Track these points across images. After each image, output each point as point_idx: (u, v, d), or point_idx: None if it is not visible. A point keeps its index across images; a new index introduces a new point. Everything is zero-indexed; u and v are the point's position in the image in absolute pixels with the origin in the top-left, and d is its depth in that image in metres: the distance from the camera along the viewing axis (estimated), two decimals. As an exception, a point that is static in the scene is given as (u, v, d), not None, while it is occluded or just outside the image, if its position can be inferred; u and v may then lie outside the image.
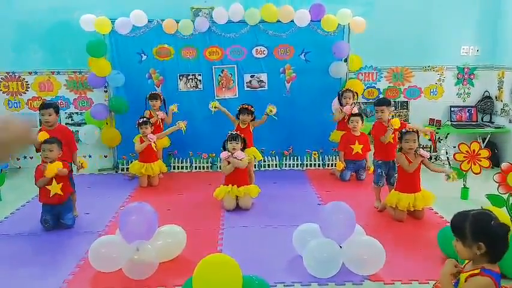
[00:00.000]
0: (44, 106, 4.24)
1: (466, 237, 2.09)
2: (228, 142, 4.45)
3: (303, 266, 3.09)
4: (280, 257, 3.37)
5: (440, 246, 3.34)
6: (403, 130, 4.04)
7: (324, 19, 5.48)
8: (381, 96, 6.11)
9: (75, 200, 4.27)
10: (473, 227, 2.07)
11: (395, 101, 6.06)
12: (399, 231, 3.84)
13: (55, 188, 3.88)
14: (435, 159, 6.08)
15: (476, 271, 2.06)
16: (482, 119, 6.17)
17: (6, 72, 5.91)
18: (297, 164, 6.00)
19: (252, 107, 5.16)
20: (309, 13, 5.47)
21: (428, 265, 3.25)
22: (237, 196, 4.41)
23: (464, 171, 4.59)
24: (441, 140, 6.12)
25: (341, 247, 3.08)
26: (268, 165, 5.96)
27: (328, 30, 5.55)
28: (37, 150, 4.01)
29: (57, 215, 3.96)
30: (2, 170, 4.79)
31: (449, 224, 3.83)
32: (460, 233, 2.12)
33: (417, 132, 4.01)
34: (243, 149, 4.51)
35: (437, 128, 5.88)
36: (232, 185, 4.41)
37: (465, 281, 2.08)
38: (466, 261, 2.20)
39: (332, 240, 3.06)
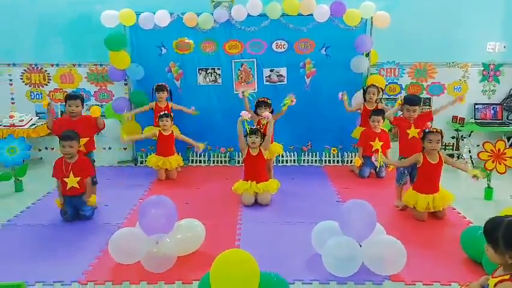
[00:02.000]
0: (72, 97, 4.29)
1: (498, 244, 2.02)
2: (248, 136, 4.42)
3: (322, 264, 3.05)
4: (298, 254, 3.33)
5: (463, 248, 3.26)
6: (426, 130, 3.94)
7: (347, 13, 5.38)
8: (403, 92, 6.00)
9: (95, 191, 4.30)
10: (507, 236, 2.01)
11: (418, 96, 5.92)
12: (420, 231, 3.76)
13: (72, 181, 3.93)
14: (458, 157, 5.94)
15: (506, 277, 2.00)
16: (507, 117, 6.00)
17: (29, 64, 5.99)
18: (316, 160, 5.95)
19: (269, 99, 5.11)
20: (330, 10, 5.38)
21: (450, 266, 3.17)
22: (255, 191, 4.38)
23: (489, 170, 4.47)
24: (465, 138, 5.97)
25: (360, 246, 3.03)
26: (287, 160, 5.92)
27: (350, 24, 5.46)
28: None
29: (76, 206, 4.00)
30: (24, 160, 4.86)
31: (472, 225, 3.79)
32: (492, 240, 2.06)
33: (441, 132, 3.90)
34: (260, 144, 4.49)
35: (461, 126, 5.74)
36: (252, 181, 4.38)
37: (494, 286, 2.02)
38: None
39: (351, 238, 3.01)
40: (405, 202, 4.04)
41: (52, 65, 6.00)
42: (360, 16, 5.42)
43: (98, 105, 5.74)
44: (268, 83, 5.81)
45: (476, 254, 3.10)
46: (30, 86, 6.05)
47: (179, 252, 3.18)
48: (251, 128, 4.47)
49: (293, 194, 4.71)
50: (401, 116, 4.67)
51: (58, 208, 3.96)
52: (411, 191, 3.99)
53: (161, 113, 5.20)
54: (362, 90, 5.47)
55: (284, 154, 5.84)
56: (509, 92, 5.99)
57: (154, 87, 5.50)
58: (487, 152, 4.46)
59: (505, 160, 4.37)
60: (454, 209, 4.18)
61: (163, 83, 5.56)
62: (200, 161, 5.96)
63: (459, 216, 4.09)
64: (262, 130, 4.56)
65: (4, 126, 5.61)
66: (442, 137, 3.91)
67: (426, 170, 3.93)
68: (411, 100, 4.50)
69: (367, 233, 3.04)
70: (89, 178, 4.07)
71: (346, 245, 2.97)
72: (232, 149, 5.94)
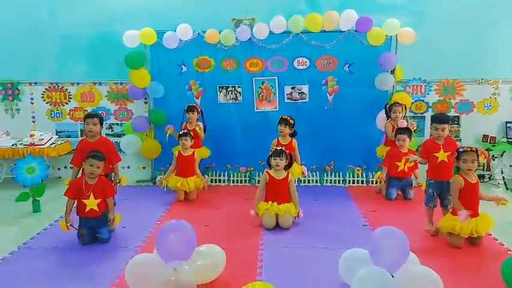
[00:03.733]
0: (90, 115, 4.22)
1: None
2: (272, 158, 4.24)
3: (351, 296, 2.84)
4: (325, 284, 3.12)
5: (505, 280, 3.00)
6: (460, 149, 3.72)
7: (371, 32, 5.24)
8: (430, 110, 5.78)
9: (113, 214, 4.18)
10: None
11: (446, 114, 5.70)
12: (456, 260, 3.49)
13: (92, 203, 3.82)
14: (490, 178, 5.66)
15: None
16: (541, 136, 5.72)
17: (50, 83, 6.00)
18: (339, 180, 5.74)
19: (291, 118, 4.96)
20: (356, 26, 5.25)
21: (491, 300, 2.92)
22: (277, 214, 4.20)
23: (526, 193, 4.20)
24: (496, 158, 5.69)
25: (392, 276, 2.81)
26: (309, 181, 5.73)
27: (375, 44, 5.30)
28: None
29: (93, 228, 3.89)
30: (42, 180, 4.80)
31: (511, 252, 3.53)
32: None
33: (476, 151, 3.66)
34: (288, 166, 4.29)
35: (492, 145, 5.48)
36: (273, 202, 4.20)
37: None
38: None
39: (383, 269, 2.80)
40: (443, 227, 3.78)
41: (73, 84, 6.00)
42: (385, 34, 5.27)
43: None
44: (289, 100, 5.68)
45: (520, 287, 2.84)
46: (51, 105, 6.05)
47: (199, 281, 3.01)
48: (276, 149, 4.27)
49: (316, 217, 4.50)
50: (429, 138, 4.43)
51: (66, 231, 3.81)
52: (450, 216, 3.74)
53: (180, 132, 5.09)
54: (384, 109, 5.27)
55: (307, 174, 5.65)
56: (543, 109, 5.71)
57: (186, 108, 5.41)
58: (524, 173, 4.20)
59: (544, 182, 4.10)
60: (490, 235, 3.91)
61: (194, 104, 5.49)
62: (220, 181, 5.83)
63: (496, 243, 3.82)
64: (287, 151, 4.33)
65: (24, 145, 5.60)
66: (478, 156, 3.66)
67: (467, 191, 3.67)
68: (440, 119, 4.25)
69: (400, 263, 2.82)
70: (112, 197, 3.98)
71: (378, 276, 2.75)
72: (252, 169, 5.78)
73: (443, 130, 4.13)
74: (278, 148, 4.26)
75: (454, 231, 3.68)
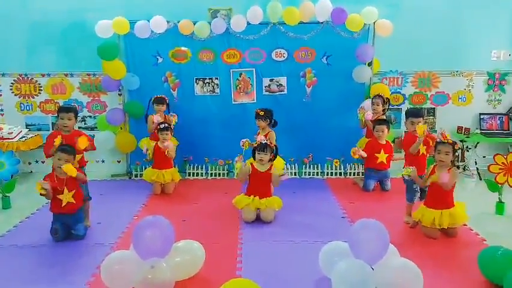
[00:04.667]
0: (64, 109, 4.07)
1: None
2: (256, 152, 4.18)
3: (331, 289, 2.83)
4: (305, 278, 3.11)
5: (482, 270, 3.05)
6: (438, 140, 3.75)
7: (349, 19, 5.20)
8: (406, 102, 5.83)
9: (88, 209, 4.09)
10: None
11: (421, 108, 5.76)
12: (434, 251, 3.53)
13: (67, 197, 3.69)
14: (464, 169, 5.76)
15: None
16: (514, 127, 5.85)
17: (19, 74, 5.76)
18: (317, 173, 5.74)
19: (264, 112, 4.88)
20: (331, 17, 5.22)
21: (468, 290, 2.97)
22: (257, 207, 4.16)
23: (500, 184, 4.28)
24: (470, 149, 5.79)
25: (372, 269, 2.81)
26: (288, 173, 5.69)
27: (353, 30, 5.27)
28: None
29: (68, 225, 3.76)
30: (12, 175, 4.62)
31: (485, 242, 3.59)
32: None
33: (452, 144, 3.69)
34: (272, 160, 4.24)
35: (466, 137, 5.57)
36: (254, 196, 4.15)
37: None
38: None
39: (363, 261, 2.79)
40: (415, 219, 3.83)
41: (43, 75, 5.78)
42: (363, 22, 5.23)
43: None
44: (267, 93, 5.62)
45: (496, 276, 2.89)
46: (20, 97, 5.82)
47: (177, 277, 2.95)
48: (260, 143, 4.19)
49: (295, 209, 4.48)
50: (407, 132, 4.47)
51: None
52: (423, 207, 3.78)
53: (161, 126, 4.97)
54: (370, 100, 5.28)
55: (284, 166, 5.61)
56: (515, 101, 5.84)
57: (153, 100, 5.28)
58: (498, 164, 4.28)
59: (517, 173, 4.19)
60: (465, 225, 3.97)
61: (163, 96, 5.34)
62: (197, 174, 5.74)
63: (471, 233, 3.88)
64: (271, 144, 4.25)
65: (-8, 139, 5.38)
66: (454, 149, 3.69)
67: (435, 184, 3.71)
68: (415, 113, 4.33)
69: (380, 255, 2.82)
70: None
71: (358, 269, 2.75)
72: (230, 161, 5.72)
73: (418, 123, 4.17)
74: (263, 142, 4.20)
75: (422, 223, 3.73)
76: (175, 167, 5.18)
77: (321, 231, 3.90)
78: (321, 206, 4.62)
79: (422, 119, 4.27)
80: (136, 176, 5.72)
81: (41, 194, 3.57)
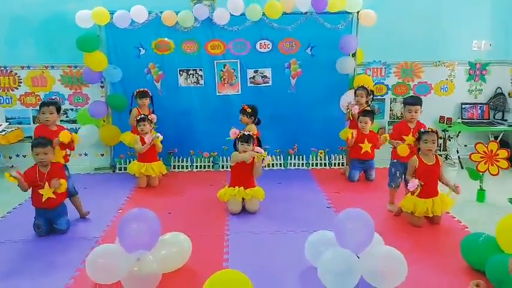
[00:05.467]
0: (46, 104, 4.00)
1: None
2: (240, 143, 4.17)
3: (317, 278, 2.85)
4: (292, 268, 3.13)
5: (464, 256, 3.11)
6: (421, 130, 3.79)
7: (330, 4, 5.16)
8: (389, 93, 5.88)
9: (80, 202, 4.10)
10: None
11: (403, 98, 5.81)
12: (417, 239, 3.59)
13: (48, 192, 3.62)
14: (446, 158, 5.85)
15: None
16: (494, 117, 5.94)
17: (-2, 67, 5.63)
18: (303, 164, 5.76)
19: (251, 109, 4.84)
20: (312, 5, 5.20)
21: (451, 276, 3.02)
22: (242, 198, 4.16)
23: (481, 172, 4.37)
24: (452, 138, 5.88)
25: (358, 257, 2.84)
26: (273, 164, 5.71)
27: (335, 11, 5.22)
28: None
29: (50, 219, 3.71)
30: (-8, 170, 4.53)
31: (467, 229, 3.66)
32: None
33: (436, 132, 3.76)
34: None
35: (448, 126, 5.65)
36: (239, 187, 4.15)
37: None
38: None
39: (349, 250, 2.82)
40: (403, 208, 3.87)
41: (23, 67, 5.65)
42: (345, 3, 5.18)
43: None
44: (252, 84, 5.60)
45: (479, 262, 2.96)
46: (-1, 90, 5.69)
47: (164, 270, 2.93)
48: (243, 134, 4.18)
49: (281, 200, 4.50)
50: (402, 120, 4.50)
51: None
52: (410, 196, 3.82)
53: (138, 117, 4.92)
54: (353, 92, 5.30)
55: (270, 158, 5.62)
56: (496, 91, 5.93)
57: (135, 93, 5.21)
58: (479, 153, 4.36)
59: (498, 161, 4.27)
60: (448, 213, 4.04)
61: (146, 89, 5.26)
62: (182, 167, 5.71)
63: (454, 221, 3.96)
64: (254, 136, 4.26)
65: (-30, 133, 5.25)
66: (438, 137, 3.76)
67: (423, 172, 3.76)
68: (412, 100, 4.32)
69: (365, 244, 2.85)
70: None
71: (343, 257, 2.77)
72: (216, 154, 5.71)
73: (416, 112, 4.21)
74: (246, 133, 4.19)
75: (408, 210, 3.79)
76: (159, 159, 5.14)
77: (306, 221, 3.93)
78: (306, 197, 4.64)
79: (419, 106, 4.26)
80: (120, 169, 5.66)
81: (18, 185, 3.52)
